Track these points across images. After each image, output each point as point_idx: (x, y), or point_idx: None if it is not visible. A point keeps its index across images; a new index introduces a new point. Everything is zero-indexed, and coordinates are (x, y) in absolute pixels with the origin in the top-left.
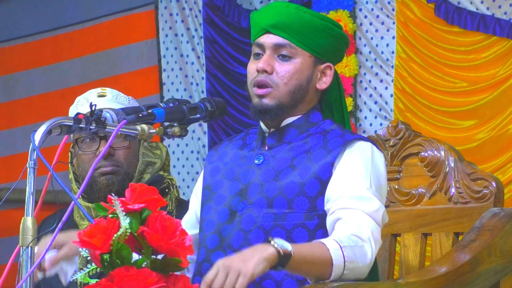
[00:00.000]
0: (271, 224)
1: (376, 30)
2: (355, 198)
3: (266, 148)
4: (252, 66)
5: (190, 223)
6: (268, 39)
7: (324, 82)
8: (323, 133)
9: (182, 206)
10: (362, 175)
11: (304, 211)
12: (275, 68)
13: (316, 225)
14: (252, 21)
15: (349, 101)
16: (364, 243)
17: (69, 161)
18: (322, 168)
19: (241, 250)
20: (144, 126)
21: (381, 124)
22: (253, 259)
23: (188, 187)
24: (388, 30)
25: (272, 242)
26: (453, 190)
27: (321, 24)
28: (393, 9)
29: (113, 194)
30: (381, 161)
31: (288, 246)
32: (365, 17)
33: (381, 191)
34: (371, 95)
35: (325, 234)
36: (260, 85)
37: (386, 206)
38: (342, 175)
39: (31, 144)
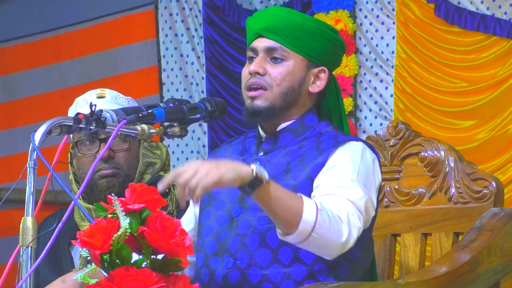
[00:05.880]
0: (266, 227)
1: (376, 30)
2: (338, 186)
3: (262, 153)
4: (245, 70)
5: (186, 217)
6: (261, 43)
7: (317, 86)
8: (317, 135)
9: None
10: (349, 168)
11: None
12: (268, 70)
13: None
14: (247, 27)
15: (349, 101)
16: (342, 223)
17: (69, 161)
18: (314, 169)
19: (238, 255)
20: (144, 126)
21: (381, 124)
22: (226, 166)
23: None
24: (388, 30)
25: (252, 165)
26: (453, 190)
27: (313, 27)
28: (393, 9)
29: (113, 194)
30: (371, 158)
31: (265, 174)
32: (365, 17)
33: (368, 186)
34: (371, 95)
35: None
36: (253, 88)
37: (386, 206)
38: (329, 167)
39: (31, 144)
